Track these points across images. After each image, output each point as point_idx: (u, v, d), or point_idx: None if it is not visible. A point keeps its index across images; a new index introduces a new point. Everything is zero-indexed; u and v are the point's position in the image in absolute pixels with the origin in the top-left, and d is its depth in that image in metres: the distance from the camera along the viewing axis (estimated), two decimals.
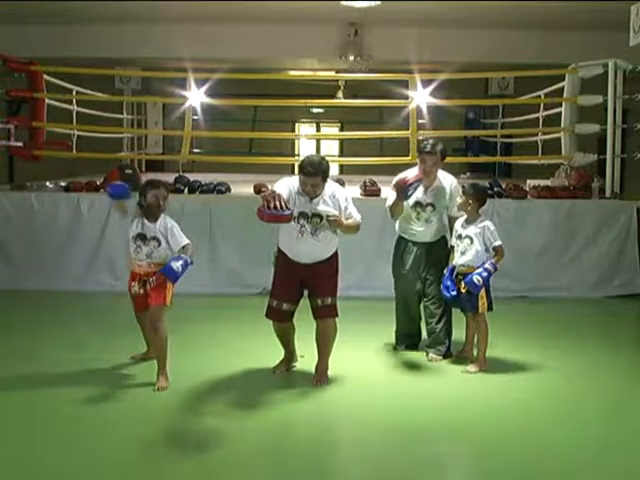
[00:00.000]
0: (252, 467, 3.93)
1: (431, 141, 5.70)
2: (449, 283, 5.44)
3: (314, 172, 4.96)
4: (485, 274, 5.25)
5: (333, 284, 5.16)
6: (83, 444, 4.10)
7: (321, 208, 5.01)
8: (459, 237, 5.47)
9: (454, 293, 5.41)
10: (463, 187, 5.54)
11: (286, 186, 5.02)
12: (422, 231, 5.72)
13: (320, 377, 5.12)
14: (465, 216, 5.51)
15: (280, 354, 5.36)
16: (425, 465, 4.02)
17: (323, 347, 5.17)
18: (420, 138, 9.13)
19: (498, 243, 5.38)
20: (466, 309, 5.53)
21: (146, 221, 5.05)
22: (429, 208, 5.67)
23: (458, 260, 5.43)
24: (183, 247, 5.01)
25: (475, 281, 5.23)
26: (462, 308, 5.60)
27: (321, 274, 5.09)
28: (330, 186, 5.14)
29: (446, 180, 5.75)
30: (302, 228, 4.99)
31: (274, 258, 5.25)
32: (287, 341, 5.33)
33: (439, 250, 5.75)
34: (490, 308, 5.39)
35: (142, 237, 5.01)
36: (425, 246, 5.75)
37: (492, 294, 5.43)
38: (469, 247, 5.38)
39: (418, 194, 5.66)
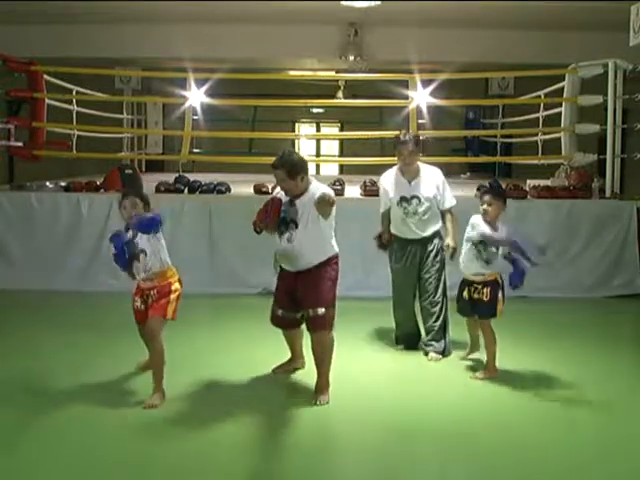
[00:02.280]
0: (251, 466, 3.93)
1: (403, 131, 5.89)
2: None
3: (275, 165, 4.74)
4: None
5: (324, 293, 4.78)
6: (80, 446, 4.10)
7: (299, 211, 4.76)
8: (473, 242, 5.26)
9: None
10: (492, 193, 5.41)
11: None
12: (413, 225, 5.70)
13: (320, 395, 4.76)
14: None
15: (281, 354, 5.35)
16: (426, 465, 4.03)
17: (319, 362, 4.83)
18: (421, 138, 9.10)
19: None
20: (483, 316, 5.31)
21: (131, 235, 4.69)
22: (414, 200, 5.67)
23: (472, 265, 5.27)
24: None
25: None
26: (479, 315, 5.36)
27: (309, 282, 4.80)
28: (315, 187, 4.85)
29: (431, 172, 5.77)
30: (282, 235, 4.82)
31: (274, 261, 5.10)
32: (292, 344, 5.26)
33: (434, 247, 5.73)
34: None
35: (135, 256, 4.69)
36: (418, 242, 5.73)
37: None
38: (483, 253, 5.21)
39: (401, 188, 5.70)
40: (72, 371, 5.30)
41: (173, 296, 4.74)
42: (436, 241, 5.76)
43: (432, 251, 5.73)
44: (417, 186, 5.69)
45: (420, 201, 5.66)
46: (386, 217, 5.85)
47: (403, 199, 5.68)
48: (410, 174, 5.73)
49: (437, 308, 5.75)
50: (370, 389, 5.07)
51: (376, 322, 6.56)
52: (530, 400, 4.92)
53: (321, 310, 4.75)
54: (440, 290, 5.76)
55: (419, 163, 5.78)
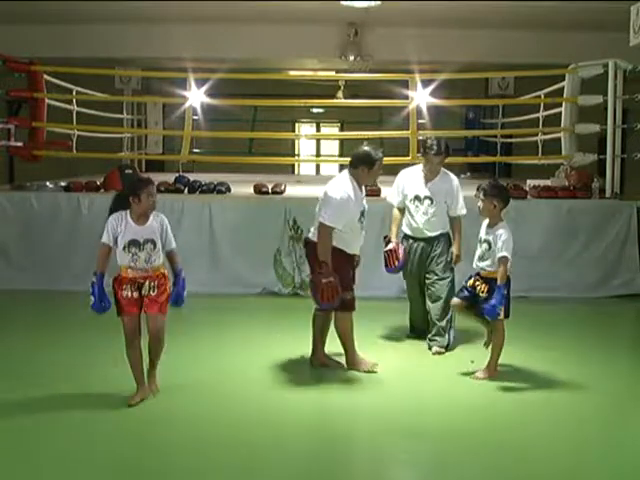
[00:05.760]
0: (250, 465, 3.93)
1: (435, 141, 5.77)
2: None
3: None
4: (504, 301, 5.07)
5: None
6: (78, 445, 4.11)
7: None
8: (479, 240, 5.28)
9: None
10: (484, 189, 5.22)
11: (351, 201, 5.16)
12: (421, 224, 5.84)
13: (364, 363, 5.39)
14: (487, 219, 5.25)
15: (281, 354, 5.33)
16: (426, 465, 4.04)
17: (349, 336, 5.47)
18: (420, 138, 9.10)
19: (502, 254, 5.08)
20: (485, 315, 5.24)
21: (134, 224, 4.61)
22: (427, 201, 5.81)
23: (477, 263, 5.26)
24: (172, 250, 4.74)
25: (498, 312, 5.07)
26: (480, 313, 5.29)
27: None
28: None
29: (448, 178, 5.87)
30: (362, 224, 5.29)
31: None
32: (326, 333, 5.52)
33: (439, 246, 5.84)
34: (507, 315, 5.19)
35: (135, 243, 4.57)
36: (425, 242, 5.85)
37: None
38: (487, 252, 5.18)
39: (417, 187, 5.84)
40: (72, 371, 5.30)
41: (168, 291, 4.71)
42: (442, 242, 5.86)
43: (437, 251, 5.82)
44: (432, 188, 5.82)
45: (432, 202, 5.80)
46: (398, 216, 5.98)
47: (417, 198, 5.85)
48: (429, 176, 5.86)
49: (440, 307, 5.78)
50: (371, 389, 5.07)
51: (378, 322, 6.56)
52: (529, 400, 4.93)
53: None
54: (445, 289, 5.78)
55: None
